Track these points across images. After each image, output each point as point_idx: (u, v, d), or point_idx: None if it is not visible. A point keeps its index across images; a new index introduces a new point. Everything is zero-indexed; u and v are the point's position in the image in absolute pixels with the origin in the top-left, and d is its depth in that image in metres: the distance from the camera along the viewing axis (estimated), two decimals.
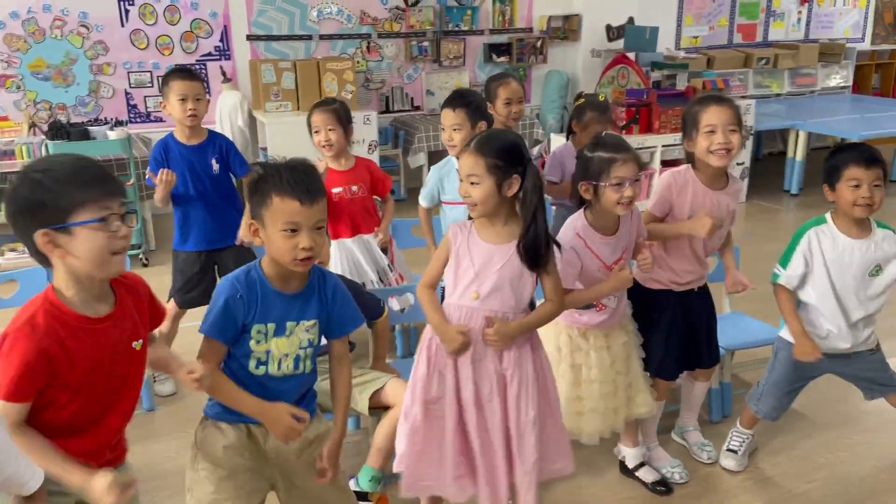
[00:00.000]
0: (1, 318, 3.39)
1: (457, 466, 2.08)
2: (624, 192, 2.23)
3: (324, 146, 3.12)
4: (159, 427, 3.14)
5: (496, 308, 2.04)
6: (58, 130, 4.86)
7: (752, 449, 2.88)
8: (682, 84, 6.58)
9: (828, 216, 2.51)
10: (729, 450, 2.81)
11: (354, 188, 3.17)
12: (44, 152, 4.75)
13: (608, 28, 7.11)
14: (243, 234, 3.20)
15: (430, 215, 3.23)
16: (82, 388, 1.55)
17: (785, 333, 2.63)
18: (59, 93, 5.81)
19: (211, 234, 3.29)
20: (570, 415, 2.38)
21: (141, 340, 1.66)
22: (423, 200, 3.20)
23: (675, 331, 2.61)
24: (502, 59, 7.04)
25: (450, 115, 2.97)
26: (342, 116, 3.13)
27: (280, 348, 1.79)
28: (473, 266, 2.03)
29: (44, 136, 5.12)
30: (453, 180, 2.81)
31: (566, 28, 7.12)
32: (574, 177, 2.37)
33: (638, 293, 2.58)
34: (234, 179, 3.39)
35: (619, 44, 6.97)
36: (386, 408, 2.50)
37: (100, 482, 1.45)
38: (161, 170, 3.08)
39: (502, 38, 7.06)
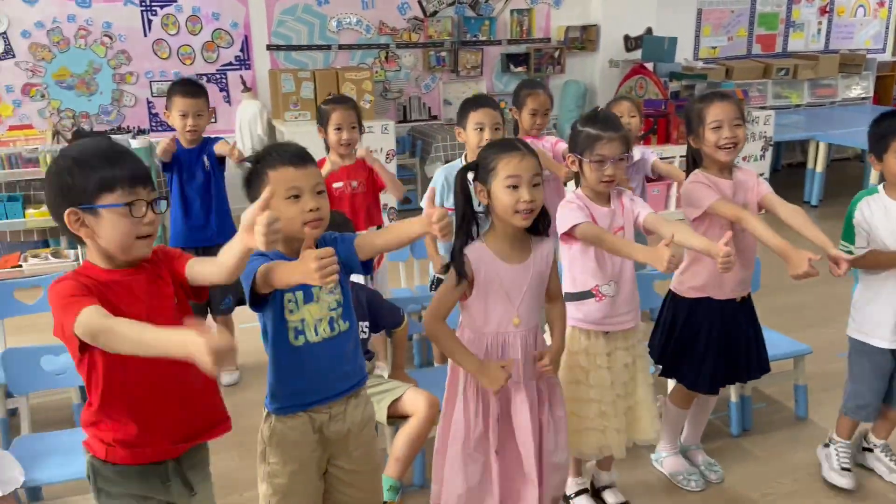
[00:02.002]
0: (26, 323, 3.51)
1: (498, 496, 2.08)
2: (605, 171, 2.22)
3: (342, 144, 3.15)
4: None
5: (532, 325, 2.07)
6: (81, 138, 4.92)
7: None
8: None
9: (880, 187, 2.53)
10: (844, 468, 2.71)
11: (354, 183, 3.20)
12: None
13: (626, 38, 7.11)
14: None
15: None
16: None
17: (852, 332, 2.61)
18: (82, 101, 5.89)
19: (200, 233, 3.47)
20: (568, 432, 2.33)
21: (178, 299, 1.70)
22: (427, 204, 3.08)
23: (714, 343, 2.54)
24: (520, 69, 7.05)
25: (492, 113, 2.98)
26: (360, 116, 3.22)
27: (312, 314, 1.82)
28: (505, 292, 2.01)
29: (67, 145, 5.19)
30: None
31: (584, 38, 7.13)
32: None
33: (675, 302, 2.56)
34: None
35: (637, 54, 6.97)
36: (404, 417, 2.51)
37: (200, 340, 1.30)
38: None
39: (520, 49, 7.08)
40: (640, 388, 2.39)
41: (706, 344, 2.55)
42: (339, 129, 3.13)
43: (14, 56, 5.65)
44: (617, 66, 7.09)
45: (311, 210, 1.76)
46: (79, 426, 2.79)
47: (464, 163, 2.80)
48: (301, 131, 5.78)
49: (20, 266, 4.73)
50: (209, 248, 3.43)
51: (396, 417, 2.52)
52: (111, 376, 1.59)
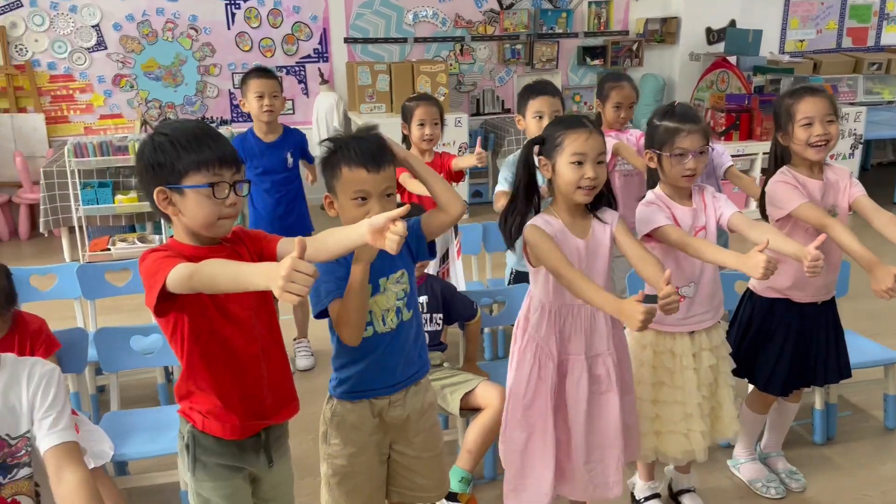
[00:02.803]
0: (115, 304, 3.67)
1: (551, 470, 2.10)
2: (685, 164, 2.16)
3: (425, 139, 3.16)
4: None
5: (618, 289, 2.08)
6: None
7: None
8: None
9: None
10: None
11: None
12: None
13: (708, 31, 6.90)
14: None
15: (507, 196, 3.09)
16: (218, 315, 1.63)
17: None
18: (168, 92, 6.11)
19: (280, 225, 3.49)
20: (646, 435, 2.28)
21: None
22: (502, 185, 3.00)
23: (789, 345, 2.47)
24: (596, 62, 6.94)
25: (551, 101, 2.95)
26: (442, 112, 3.23)
27: (380, 305, 1.84)
28: (578, 266, 2.00)
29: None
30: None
31: (664, 31, 6.95)
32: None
33: (752, 301, 2.48)
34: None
35: (720, 47, 6.76)
36: (476, 409, 2.51)
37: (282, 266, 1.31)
38: None
39: (597, 41, 6.97)
40: (721, 388, 2.34)
41: (781, 345, 2.48)
42: (421, 124, 3.15)
43: (106, 48, 5.90)
44: (698, 59, 6.89)
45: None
46: (164, 405, 2.93)
47: None
48: (376, 123, 5.84)
49: (108, 250, 4.96)
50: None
51: (469, 410, 2.53)
52: (193, 348, 1.64)
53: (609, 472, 2.12)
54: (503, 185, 3.01)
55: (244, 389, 1.70)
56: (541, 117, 2.94)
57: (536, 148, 2.06)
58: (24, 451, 1.29)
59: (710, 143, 2.27)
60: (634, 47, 6.95)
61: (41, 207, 4.94)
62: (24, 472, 1.30)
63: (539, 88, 3.01)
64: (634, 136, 3.39)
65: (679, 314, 2.19)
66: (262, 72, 3.44)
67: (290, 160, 3.47)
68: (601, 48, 6.94)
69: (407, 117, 3.21)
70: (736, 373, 2.59)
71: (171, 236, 1.70)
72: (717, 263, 2.15)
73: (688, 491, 2.57)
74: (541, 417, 2.09)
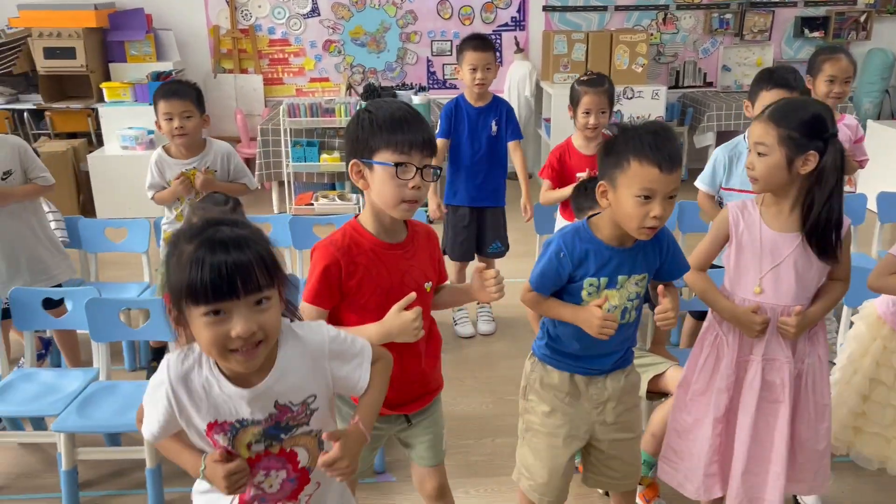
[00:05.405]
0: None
1: (710, 464, 2.01)
2: None
3: (589, 128, 3.05)
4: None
5: (780, 302, 1.92)
6: (371, 92, 5.37)
7: None
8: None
9: None
10: None
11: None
12: None
13: None
14: (433, 212, 3.51)
15: (714, 202, 2.88)
16: (373, 314, 1.71)
17: None
18: (371, 58, 6.40)
19: (476, 192, 3.54)
20: (846, 427, 2.13)
21: (430, 283, 1.81)
22: (702, 184, 2.88)
23: None
24: (815, 34, 6.35)
25: (789, 95, 2.58)
26: (612, 99, 3.08)
27: (610, 300, 1.82)
28: (757, 257, 1.90)
29: (358, 97, 5.70)
30: (742, 163, 2.58)
31: None
32: None
33: None
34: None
35: None
36: (664, 394, 2.45)
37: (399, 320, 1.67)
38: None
39: (818, 11, 6.36)
40: None
41: None
42: (587, 112, 3.03)
43: (319, 14, 6.28)
44: None
45: (654, 216, 1.67)
46: None
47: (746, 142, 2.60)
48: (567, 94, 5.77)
49: (312, 204, 5.34)
50: (483, 210, 3.60)
51: (655, 393, 2.47)
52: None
53: (765, 490, 1.98)
54: (706, 184, 2.86)
55: (395, 383, 1.72)
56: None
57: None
58: (304, 415, 1.38)
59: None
60: (862, 18, 6.27)
61: (257, 162, 5.40)
62: (303, 429, 1.40)
63: (775, 79, 2.69)
64: (851, 128, 3.08)
65: None
66: (477, 42, 3.39)
67: (495, 127, 3.48)
68: (822, 18, 6.34)
69: (574, 101, 3.08)
70: None
71: (357, 216, 1.77)
72: None
73: None
74: (711, 408, 2.01)
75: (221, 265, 1.19)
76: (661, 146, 1.65)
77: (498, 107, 3.51)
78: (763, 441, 1.98)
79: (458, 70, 3.52)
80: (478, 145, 3.48)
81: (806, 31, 6.36)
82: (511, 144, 3.53)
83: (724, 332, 2.01)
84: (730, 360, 1.99)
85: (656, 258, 1.84)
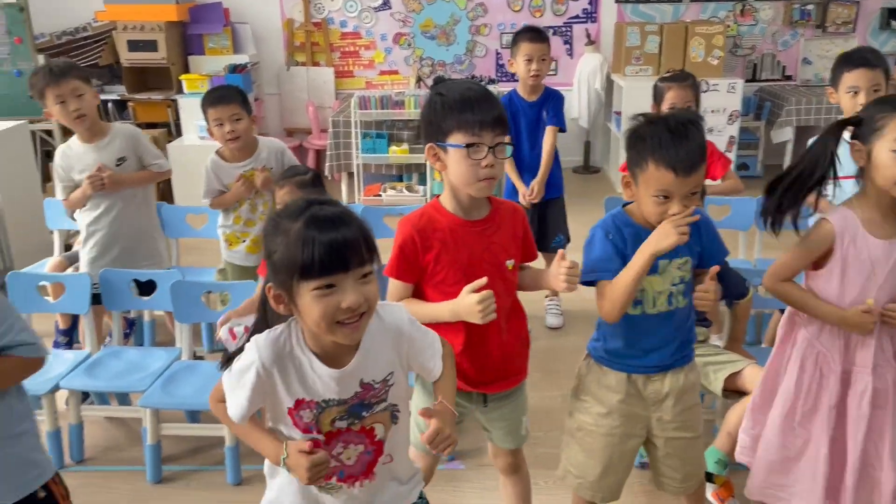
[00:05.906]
0: (385, 245, 4.00)
1: (827, 488, 1.93)
2: None
3: None
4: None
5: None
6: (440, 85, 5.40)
7: None
8: None
9: None
10: None
11: None
12: None
13: None
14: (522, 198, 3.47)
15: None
16: (452, 290, 1.73)
17: None
18: (441, 51, 6.43)
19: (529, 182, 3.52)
20: None
21: (513, 261, 1.82)
22: None
23: None
24: None
25: (869, 75, 2.60)
26: (698, 94, 3.01)
27: (654, 286, 1.80)
28: (867, 268, 1.82)
29: (428, 90, 5.72)
30: (844, 150, 2.47)
31: None
32: None
33: None
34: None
35: None
36: (741, 392, 2.40)
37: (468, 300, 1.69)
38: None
39: None
40: None
41: None
42: (673, 108, 2.95)
43: (390, 7, 6.33)
44: None
45: (672, 215, 1.68)
46: None
47: None
48: (640, 87, 5.67)
49: (380, 195, 5.40)
50: (545, 203, 3.58)
51: (731, 391, 2.42)
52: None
53: (873, 502, 1.91)
54: None
55: (473, 359, 1.82)
56: (856, 93, 2.62)
57: (850, 130, 1.83)
58: (384, 391, 1.42)
59: None
60: None
61: (328, 153, 5.50)
62: (382, 406, 1.43)
63: (855, 60, 2.65)
64: None
65: None
66: (533, 34, 3.42)
67: (546, 119, 3.51)
68: None
69: (658, 98, 3.04)
70: None
71: (437, 196, 1.82)
72: None
73: None
74: (825, 426, 1.93)
75: (333, 241, 1.24)
76: (679, 146, 1.64)
77: (549, 98, 3.52)
78: (864, 449, 1.91)
79: (511, 63, 3.51)
80: (534, 140, 3.50)
81: (893, 23, 6.07)
82: (548, 128, 3.52)
83: (825, 348, 1.93)
84: (836, 378, 1.91)
85: (697, 242, 1.81)
